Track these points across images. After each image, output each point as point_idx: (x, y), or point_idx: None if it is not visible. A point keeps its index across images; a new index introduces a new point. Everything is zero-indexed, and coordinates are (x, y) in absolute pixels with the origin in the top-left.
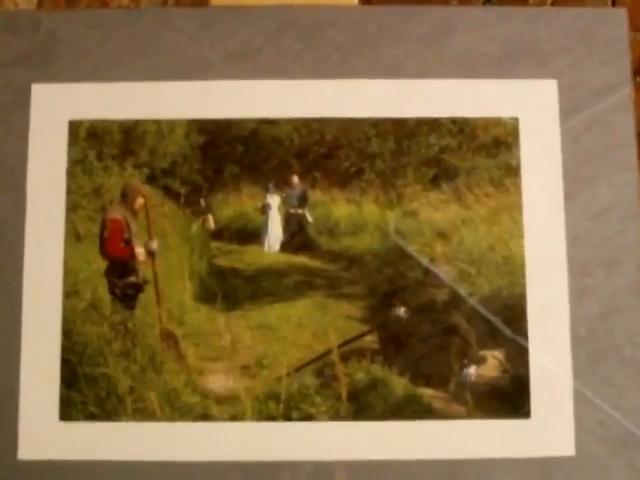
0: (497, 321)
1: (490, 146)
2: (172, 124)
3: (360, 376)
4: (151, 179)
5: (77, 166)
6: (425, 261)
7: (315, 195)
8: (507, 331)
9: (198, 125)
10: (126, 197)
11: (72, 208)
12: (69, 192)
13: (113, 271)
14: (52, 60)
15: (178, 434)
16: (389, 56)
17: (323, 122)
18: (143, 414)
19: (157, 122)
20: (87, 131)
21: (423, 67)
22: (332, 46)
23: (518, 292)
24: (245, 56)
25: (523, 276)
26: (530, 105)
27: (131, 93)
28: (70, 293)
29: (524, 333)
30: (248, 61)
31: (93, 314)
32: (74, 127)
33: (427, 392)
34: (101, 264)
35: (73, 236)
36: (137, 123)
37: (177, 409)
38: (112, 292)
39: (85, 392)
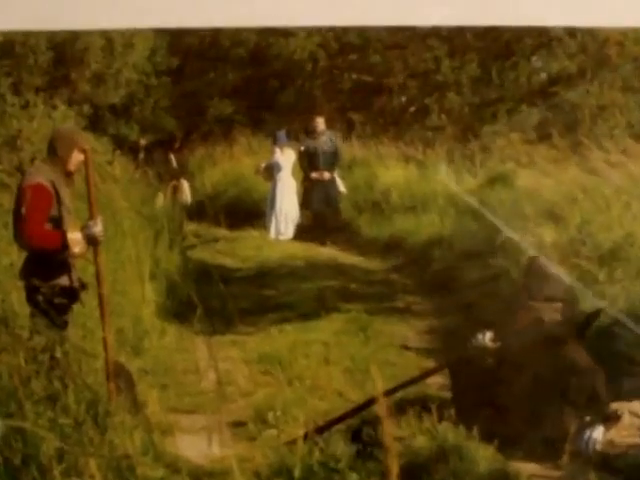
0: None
1: (629, 74)
2: (129, 36)
3: (421, 441)
4: (95, 123)
5: None
6: (526, 257)
7: (352, 149)
8: None
9: (170, 38)
10: (56, 151)
11: None
12: None
13: (34, 268)
14: None
15: None
16: None
17: (365, 33)
18: None
19: (106, 34)
20: (0, 48)
21: None
22: None
23: None
24: None
25: None
26: None
27: None
28: None
29: None
30: None
31: (2, 335)
32: None
33: (526, 467)
34: (15, 258)
35: None
36: (76, 35)
37: None
38: (32, 301)
39: None
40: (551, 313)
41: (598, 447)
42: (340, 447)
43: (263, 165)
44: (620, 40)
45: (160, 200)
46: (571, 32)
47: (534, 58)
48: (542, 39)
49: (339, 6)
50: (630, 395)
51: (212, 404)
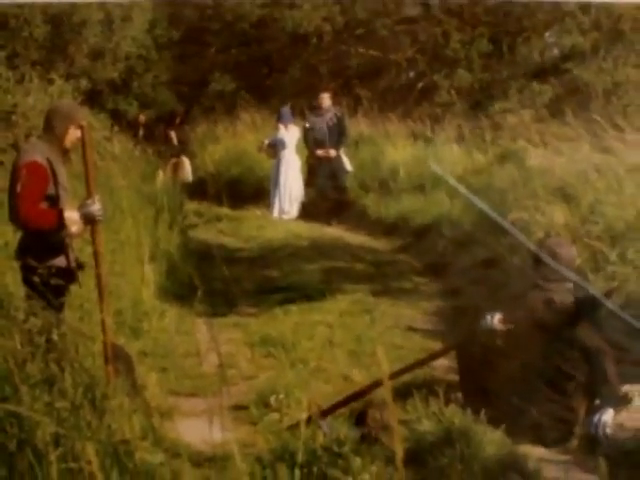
0: None
1: None
2: (128, 9)
3: (427, 425)
4: (92, 98)
5: None
6: (536, 237)
7: (358, 126)
8: None
9: (170, 10)
10: (52, 127)
11: None
12: None
13: (29, 248)
14: None
15: None
16: None
17: (373, 7)
18: (75, 479)
19: (104, 6)
20: None
21: None
22: None
23: None
24: None
25: None
26: None
27: None
28: None
29: None
30: None
31: None
32: None
33: (534, 451)
34: (10, 237)
35: None
36: (72, 8)
37: (129, 473)
38: (28, 282)
39: None
40: (562, 294)
41: (608, 430)
42: (344, 431)
43: (267, 142)
44: (635, 15)
45: (160, 178)
46: (585, 7)
47: (546, 34)
48: (555, 14)
49: None
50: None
51: (213, 387)
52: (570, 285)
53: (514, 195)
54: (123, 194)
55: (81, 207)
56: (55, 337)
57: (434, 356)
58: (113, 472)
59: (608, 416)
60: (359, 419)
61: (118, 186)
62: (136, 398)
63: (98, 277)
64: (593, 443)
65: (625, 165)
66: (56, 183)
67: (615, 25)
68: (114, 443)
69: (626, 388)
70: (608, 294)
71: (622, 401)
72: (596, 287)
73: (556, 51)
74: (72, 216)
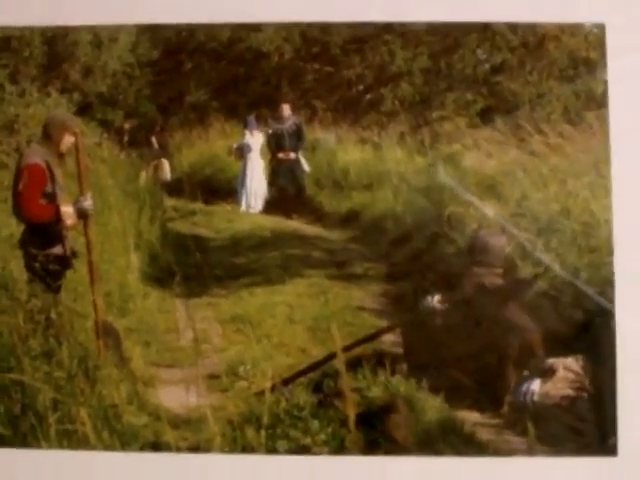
0: (574, 315)
1: (565, 65)
2: (114, 31)
3: (375, 392)
4: (84, 109)
5: None
6: (470, 228)
7: (314, 132)
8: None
9: (151, 33)
10: (50, 134)
11: None
12: None
13: (31, 239)
14: None
15: (118, 468)
16: None
17: (327, 28)
18: (71, 439)
19: (93, 29)
20: None
21: None
22: None
23: (603, 276)
24: None
25: (610, 253)
26: (626, 2)
27: None
28: None
29: (611, 336)
30: None
31: (3, 298)
32: None
33: (470, 416)
34: (14, 229)
35: None
36: (66, 31)
37: (117, 433)
38: (29, 268)
39: None
40: (492, 278)
41: (535, 398)
42: (303, 397)
43: (235, 146)
44: (557, 34)
45: (143, 178)
46: (512, 27)
47: (479, 51)
48: (486, 34)
49: (302, 6)
50: (564, 351)
51: (189, 359)
52: (499, 271)
53: (450, 192)
54: (110, 192)
55: (75, 203)
56: (53, 315)
57: (381, 332)
58: (103, 433)
59: (535, 385)
60: (316, 387)
61: (106, 185)
62: (123, 369)
63: (90, 264)
64: (522, 409)
65: (549, 166)
66: (53, 182)
67: (540, 43)
68: (104, 407)
69: (551, 361)
70: (535, 278)
71: (548, 372)
72: (524, 272)
73: (487, 66)
74: (67, 211)
